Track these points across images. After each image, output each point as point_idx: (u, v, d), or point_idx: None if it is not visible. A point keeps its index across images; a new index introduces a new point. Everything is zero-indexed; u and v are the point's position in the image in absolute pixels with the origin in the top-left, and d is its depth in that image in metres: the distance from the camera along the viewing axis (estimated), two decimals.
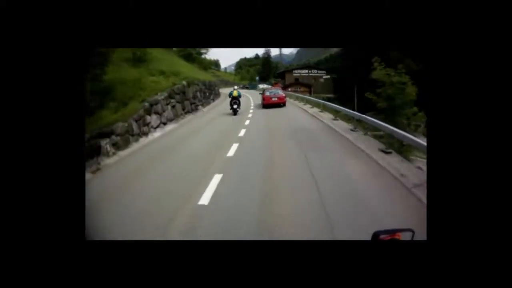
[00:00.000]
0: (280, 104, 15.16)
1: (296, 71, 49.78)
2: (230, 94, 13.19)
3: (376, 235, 1.20)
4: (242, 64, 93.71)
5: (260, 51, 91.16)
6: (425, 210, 1.43)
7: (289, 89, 40.34)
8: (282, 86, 43.12)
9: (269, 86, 39.20)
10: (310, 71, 49.02)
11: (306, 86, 44.71)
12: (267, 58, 73.27)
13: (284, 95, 16.08)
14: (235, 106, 12.70)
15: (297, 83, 45.88)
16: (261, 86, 32.90)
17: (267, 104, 15.14)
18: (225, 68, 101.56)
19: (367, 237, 1.24)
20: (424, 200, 3.37)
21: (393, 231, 1.21)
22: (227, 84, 48.78)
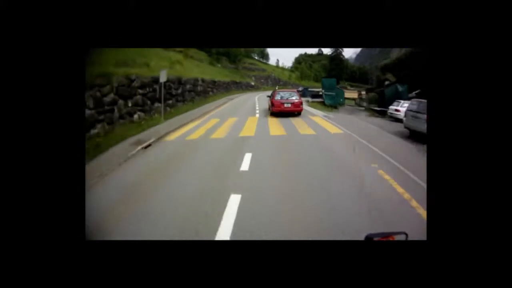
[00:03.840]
0: (295, 112, 11.14)
1: None
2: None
3: (369, 237, 1.19)
4: (301, 59, 70.13)
5: (325, 49, 65.13)
6: None
7: None
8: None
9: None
10: None
11: None
12: (337, 53, 49.78)
13: (300, 100, 11.53)
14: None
15: None
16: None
17: (276, 111, 11.09)
18: (277, 61, 79.95)
19: (361, 238, 1.23)
20: None
21: (386, 234, 1.21)
22: (278, 83, 29.49)
